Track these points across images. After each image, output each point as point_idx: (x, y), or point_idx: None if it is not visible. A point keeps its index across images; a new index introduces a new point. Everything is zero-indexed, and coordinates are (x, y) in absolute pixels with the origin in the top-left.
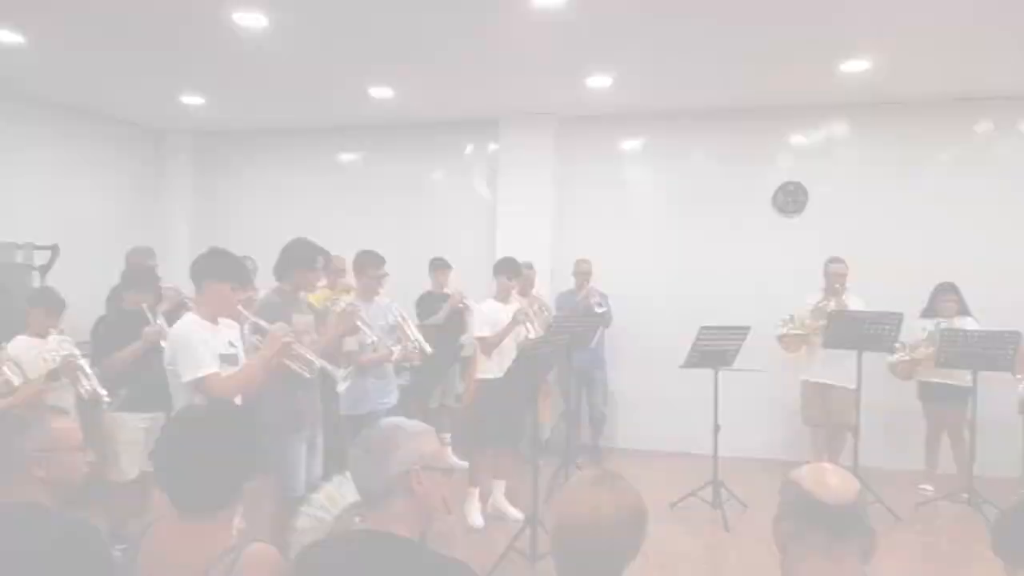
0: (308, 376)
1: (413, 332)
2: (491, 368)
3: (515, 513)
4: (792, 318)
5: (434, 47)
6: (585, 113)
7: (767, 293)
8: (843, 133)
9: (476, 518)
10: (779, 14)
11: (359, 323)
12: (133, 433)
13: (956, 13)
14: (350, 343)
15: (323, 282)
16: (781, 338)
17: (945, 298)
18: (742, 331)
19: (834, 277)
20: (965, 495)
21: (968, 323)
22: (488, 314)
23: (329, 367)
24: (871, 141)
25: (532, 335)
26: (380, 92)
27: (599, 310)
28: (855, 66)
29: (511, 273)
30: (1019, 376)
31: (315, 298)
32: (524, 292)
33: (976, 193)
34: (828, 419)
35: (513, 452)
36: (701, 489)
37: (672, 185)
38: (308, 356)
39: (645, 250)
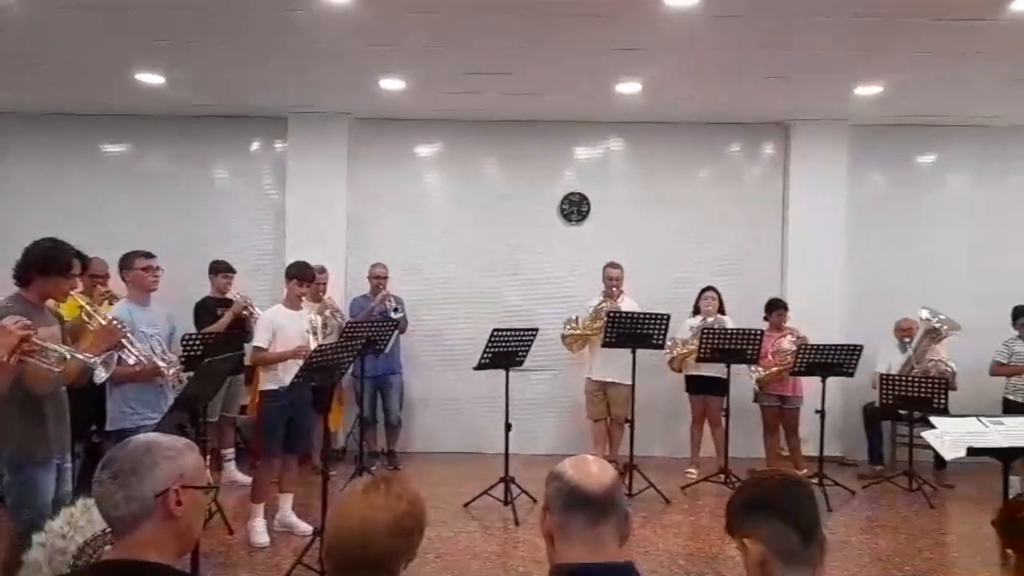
0: (57, 371)
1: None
2: (274, 378)
3: (304, 527)
4: (575, 320)
5: (208, 36)
6: (380, 115)
7: (555, 296)
8: (620, 148)
9: (261, 536)
10: (560, 35)
11: (125, 342)
12: None
13: (712, 49)
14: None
15: (79, 288)
16: (564, 338)
17: (706, 297)
18: (531, 333)
19: (610, 281)
20: (722, 476)
21: (726, 321)
22: (268, 321)
23: (80, 356)
24: (644, 156)
25: (317, 343)
26: (149, 79)
27: (395, 315)
28: (629, 88)
29: (303, 278)
30: (754, 369)
31: (68, 308)
32: (316, 297)
33: (728, 205)
34: (607, 413)
35: (302, 463)
36: (493, 487)
37: (466, 191)
38: (52, 347)
39: (441, 255)
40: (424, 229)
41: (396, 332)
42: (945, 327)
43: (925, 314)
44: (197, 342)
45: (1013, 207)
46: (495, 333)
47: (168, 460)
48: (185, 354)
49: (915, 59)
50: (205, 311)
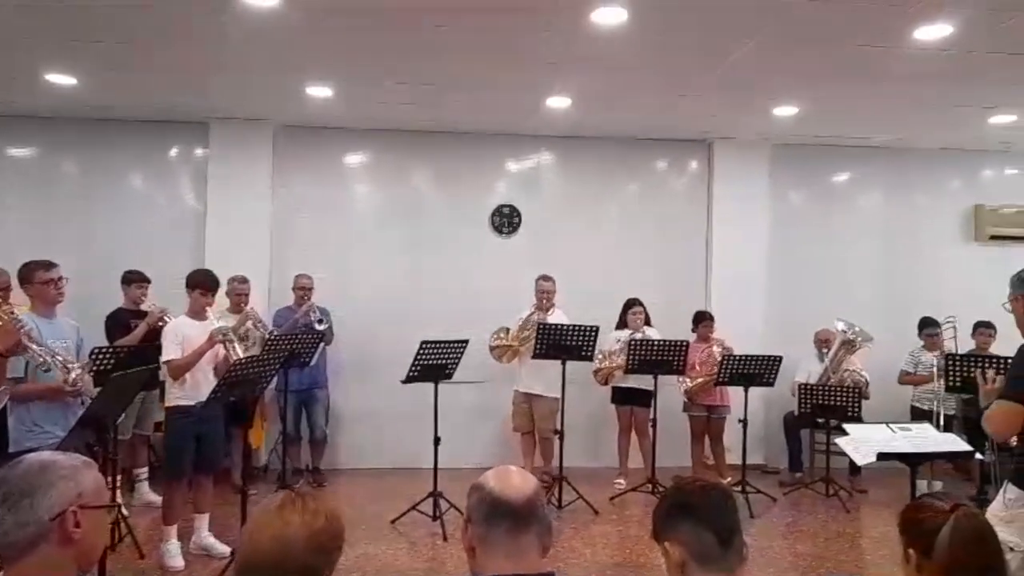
0: None
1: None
2: (184, 394)
3: (222, 549)
4: (504, 331)
5: (124, 36)
6: (307, 123)
7: (486, 308)
8: (551, 161)
9: (175, 559)
10: (490, 49)
11: (27, 341)
12: None
13: (639, 66)
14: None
15: None
16: (492, 349)
17: (633, 311)
18: (461, 345)
19: (542, 294)
20: (650, 486)
21: (651, 333)
22: (174, 332)
23: None
24: (575, 170)
25: (237, 355)
26: (60, 79)
27: (320, 327)
28: (559, 103)
29: (206, 287)
30: (681, 379)
31: None
32: (237, 308)
33: (656, 219)
34: (535, 425)
35: (220, 482)
36: (421, 502)
37: (396, 202)
38: None
39: (370, 266)
40: (352, 240)
41: (322, 344)
42: (859, 338)
43: (841, 326)
44: (108, 355)
45: (919, 224)
46: (424, 345)
47: (64, 480)
48: (95, 368)
49: (828, 83)
50: (117, 324)
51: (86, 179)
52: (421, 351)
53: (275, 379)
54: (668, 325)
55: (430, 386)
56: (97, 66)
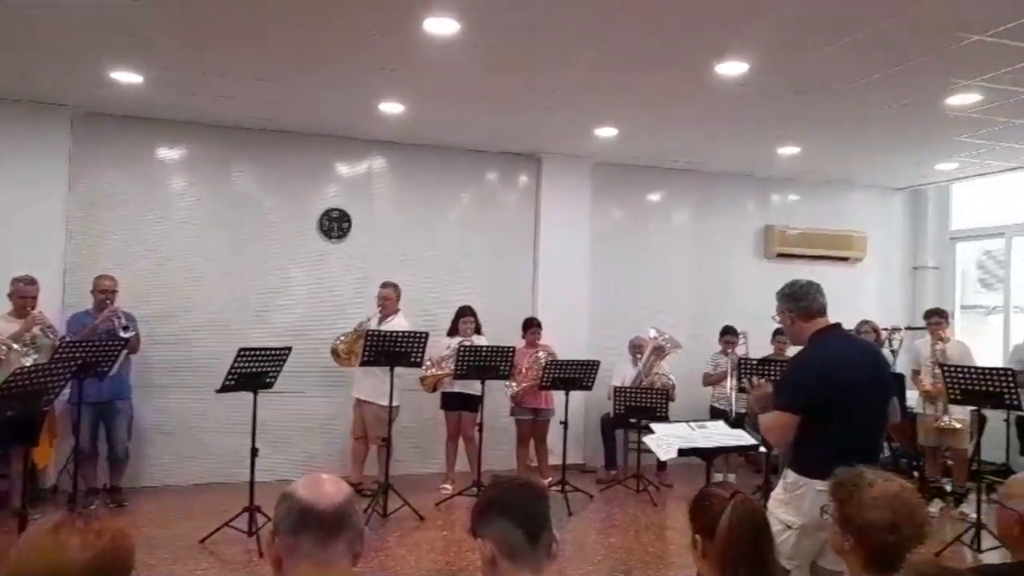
0: None
1: None
2: None
3: None
4: (345, 335)
5: None
6: (113, 111)
7: (313, 315)
8: (383, 167)
9: None
10: (319, 48)
11: None
12: None
13: (470, 78)
14: None
15: None
16: (332, 352)
17: (465, 319)
18: (282, 353)
19: (382, 300)
20: (475, 489)
21: (480, 340)
22: None
23: None
24: (407, 177)
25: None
26: None
27: (125, 334)
28: (391, 108)
29: None
30: (508, 384)
31: None
32: (22, 312)
33: (487, 229)
34: (367, 432)
35: None
36: (235, 518)
37: (216, 201)
38: None
39: (185, 268)
40: (165, 239)
41: (125, 352)
42: (669, 344)
43: (653, 332)
44: None
45: (721, 242)
46: (241, 353)
47: None
48: None
49: (642, 107)
50: None
51: None
52: (239, 359)
53: (67, 390)
54: (498, 332)
55: (250, 396)
56: None
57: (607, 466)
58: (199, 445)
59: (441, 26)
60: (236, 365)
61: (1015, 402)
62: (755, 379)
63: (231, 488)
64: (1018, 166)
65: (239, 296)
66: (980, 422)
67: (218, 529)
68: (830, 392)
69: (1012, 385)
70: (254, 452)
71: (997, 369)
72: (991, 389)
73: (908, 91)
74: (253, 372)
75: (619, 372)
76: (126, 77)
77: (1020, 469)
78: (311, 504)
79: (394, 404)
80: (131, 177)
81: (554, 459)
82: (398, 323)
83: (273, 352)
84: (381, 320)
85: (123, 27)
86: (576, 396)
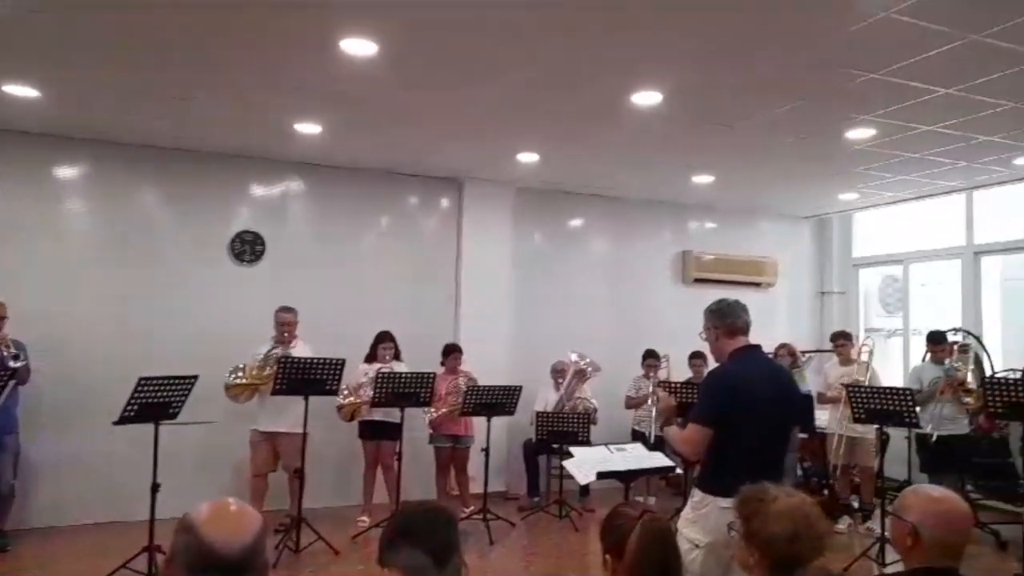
0: None
1: None
2: None
3: None
4: (242, 367)
5: None
6: (5, 126)
7: (224, 342)
8: (300, 189)
9: None
10: (231, 65)
11: None
12: None
13: (390, 100)
14: None
15: None
16: (228, 389)
17: (384, 345)
18: (188, 381)
19: (282, 326)
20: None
21: (400, 367)
22: None
23: None
24: (325, 199)
25: None
26: None
27: (14, 363)
28: (308, 128)
29: None
30: (426, 411)
31: None
32: None
33: (408, 253)
34: (273, 466)
35: None
36: (133, 559)
37: (119, 223)
38: None
39: (80, 293)
40: (61, 263)
41: (13, 383)
42: (590, 368)
43: (574, 357)
44: None
45: (640, 267)
46: (142, 381)
47: None
48: None
49: (562, 135)
50: None
51: None
52: (139, 388)
53: None
54: (419, 358)
55: (150, 429)
56: None
57: (530, 493)
58: (93, 482)
59: (358, 47)
60: (136, 394)
61: (914, 420)
62: (660, 392)
63: (129, 527)
64: (911, 197)
65: (141, 323)
66: (883, 440)
67: (115, 571)
68: (738, 407)
69: (911, 404)
70: (155, 488)
71: (898, 389)
72: (892, 408)
73: (811, 124)
74: (155, 402)
75: (541, 397)
76: (21, 91)
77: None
78: (213, 547)
79: (307, 432)
80: (25, 196)
81: (476, 487)
82: (300, 350)
83: (177, 380)
84: (281, 347)
85: (19, 39)
86: (498, 422)
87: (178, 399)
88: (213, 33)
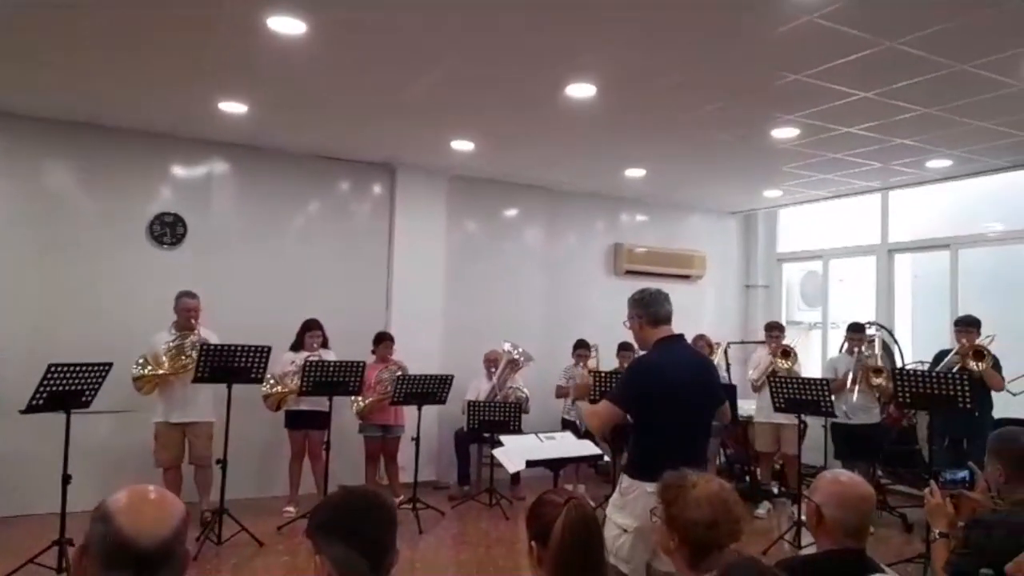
0: None
1: None
2: None
3: None
4: (150, 358)
5: None
6: None
7: (141, 328)
8: (225, 171)
9: None
10: (149, 39)
11: None
12: None
13: (320, 82)
14: None
15: None
16: (136, 380)
17: (311, 333)
18: (101, 369)
19: (187, 312)
20: None
21: (328, 355)
22: None
23: None
24: (251, 182)
25: None
26: None
27: None
28: (233, 108)
29: None
30: (355, 399)
31: None
32: None
33: (338, 239)
34: (186, 458)
35: None
36: (41, 554)
37: (27, 202)
38: None
39: None
40: None
41: None
42: (522, 358)
43: (507, 346)
44: None
45: (573, 258)
46: (52, 368)
47: None
48: None
49: (497, 123)
50: None
51: None
52: (49, 375)
53: None
54: (349, 347)
55: (59, 419)
56: None
57: (460, 482)
58: None
59: (286, 25)
60: (46, 382)
61: (830, 409)
62: (579, 371)
63: (36, 521)
64: (831, 195)
65: (50, 307)
66: (802, 428)
67: (21, 567)
68: (659, 393)
69: (827, 394)
70: (66, 480)
71: (815, 379)
72: (810, 398)
73: (738, 123)
74: (66, 390)
75: (473, 386)
76: None
77: None
78: (129, 539)
79: (229, 421)
80: None
81: (406, 476)
82: (206, 336)
83: (90, 368)
84: (185, 333)
85: None
86: (429, 411)
87: (91, 387)
88: (133, 3)
